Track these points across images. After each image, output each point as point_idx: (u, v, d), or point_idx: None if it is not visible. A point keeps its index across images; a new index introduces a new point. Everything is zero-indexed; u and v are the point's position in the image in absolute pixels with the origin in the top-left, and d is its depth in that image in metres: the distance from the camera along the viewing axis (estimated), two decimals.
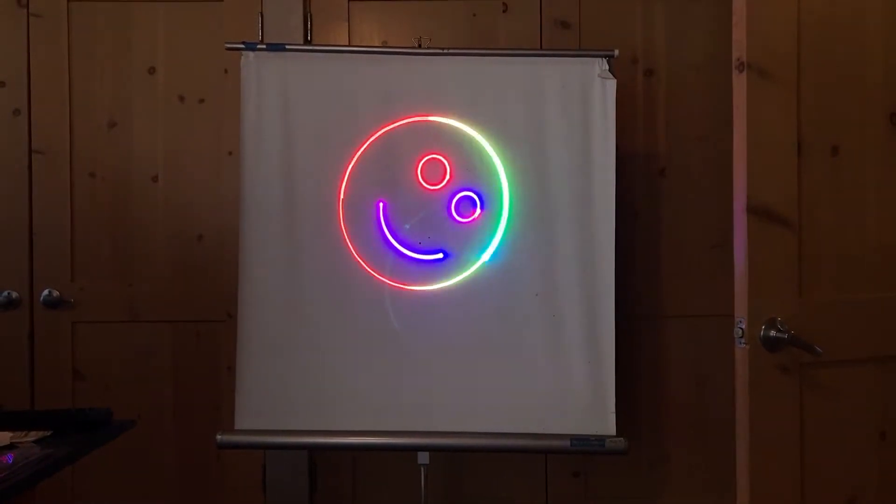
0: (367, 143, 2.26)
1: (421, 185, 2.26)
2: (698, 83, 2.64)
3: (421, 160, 2.26)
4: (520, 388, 2.22)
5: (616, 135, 2.25)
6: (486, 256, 2.25)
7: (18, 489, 1.40)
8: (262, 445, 2.36)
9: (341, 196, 2.26)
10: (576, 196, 2.25)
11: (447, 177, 2.26)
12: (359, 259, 2.25)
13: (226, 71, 2.59)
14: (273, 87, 2.26)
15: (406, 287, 2.26)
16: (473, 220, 2.26)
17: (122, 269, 2.63)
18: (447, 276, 2.26)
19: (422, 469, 2.26)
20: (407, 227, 2.25)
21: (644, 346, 2.65)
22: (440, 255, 2.25)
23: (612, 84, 2.25)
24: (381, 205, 2.26)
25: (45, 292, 2.59)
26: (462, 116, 2.27)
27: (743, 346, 1.58)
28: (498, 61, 2.30)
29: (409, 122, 2.27)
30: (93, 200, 2.62)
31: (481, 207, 2.26)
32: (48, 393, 2.59)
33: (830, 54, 1.68)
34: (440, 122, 2.27)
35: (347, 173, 2.26)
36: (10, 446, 1.60)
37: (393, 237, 2.25)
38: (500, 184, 2.26)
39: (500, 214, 2.26)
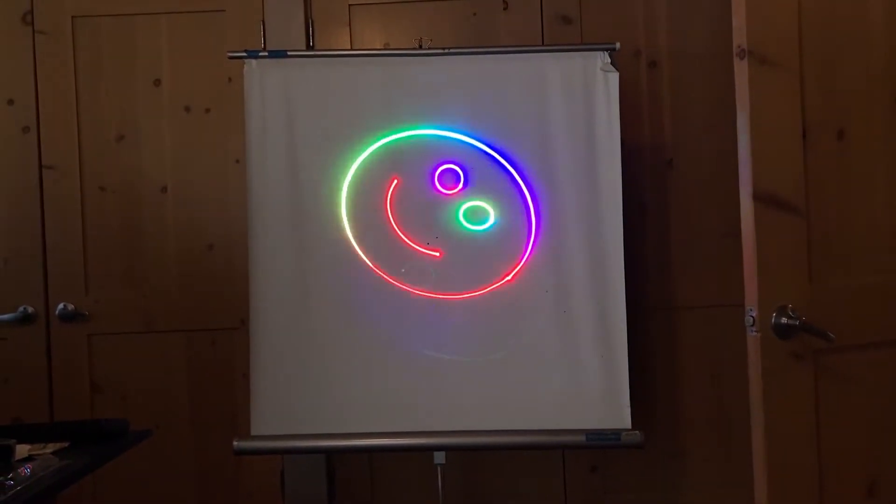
0: (374, 147, 2.27)
1: (437, 189, 2.27)
2: (703, 73, 2.62)
3: (431, 167, 2.26)
4: (533, 385, 2.22)
5: (622, 127, 2.24)
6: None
7: (37, 500, 1.42)
8: (278, 450, 2.37)
9: (347, 197, 2.27)
10: (583, 190, 2.25)
11: (459, 183, 2.26)
12: (367, 261, 2.25)
13: (230, 80, 2.61)
14: (277, 94, 2.27)
15: (416, 287, 2.26)
16: (486, 225, 2.27)
17: (135, 281, 2.65)
18: (460, 281, 2.26)
19: (438, 469, 2.26)
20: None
21: (657, 338, 2.64)
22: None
23: (614, 77, 2.24)
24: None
25: (61, 306, 2.61)
26: (465, 116, 2.27)
27: (754, 334, 1.57)
28: (500, 59, 2.30)
29: (414, 131, 2.28)
30: (104, 213, 2.65)
31: (492, 214, 2.27)
32: (66, 405, 2.61)
33: (833, 37, 1.67)
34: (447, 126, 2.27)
35: (353, 173, 2.27)
36: (29, 458, 1.62)
37: (401, 231, 2.26)
38: (509, 188, 2.26)
39: (515, 221, 2.26)
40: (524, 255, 2.25)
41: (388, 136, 2.26)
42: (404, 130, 2.26)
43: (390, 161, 2.27)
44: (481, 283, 2.25)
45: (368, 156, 2.27)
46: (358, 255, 2.26)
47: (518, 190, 2.25)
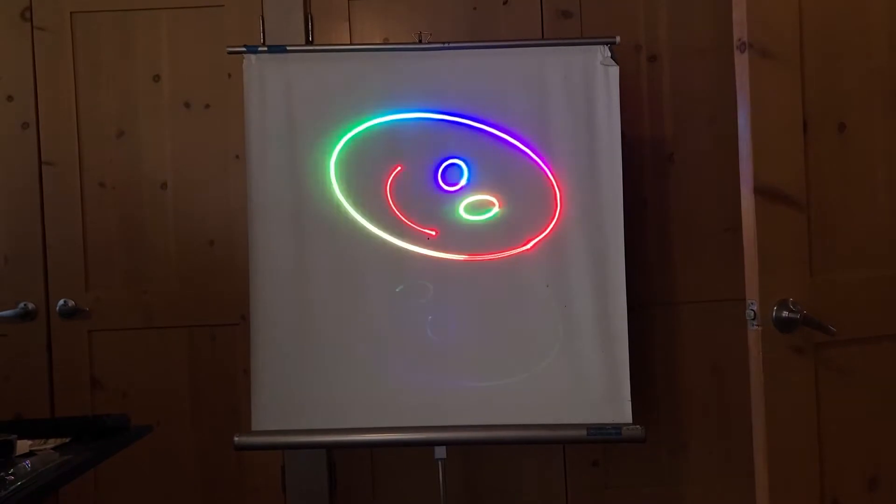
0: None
1: (439, 184, 2.27)
2: (703, 67, 2.62)
3: (435, 160, 2.26)
4: (534, 379, 2.22)
5: (622, 122, 2.24)
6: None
7: (38, 495, 1.42)
8: (279, 446, 2.37)
9: (348, 192, 2.26)
10: (583, 185, 2.25)
11: (462, 177, 2.26)
12: (368, 257, 2.25)
13: (229, 75, 2.60)
14: (276, 89, 2.27)
15: (418, 282, 2.26)
16: (490, 215, 2.27)
17: (135, 277, 2.65)
18: (463, 270, 2.26)
19: (439, 464, 2.26)
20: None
21: (658, 332, 2.64)
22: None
23: (614, 71, 2.23)
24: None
25: (61, 302, 2.61)
26: (466, 110, 2.26)
27: (755, 327, 1.57)
28: (499, 53, 2.30)
29: (416, 118, 2.27)
30: (104, 210, 2.64)
31: (497, 205, 2.26)
32: (67, 402, 2.61)
33: (833, 30, 1.66)
34: (448, 119, 2.26)
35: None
36: (30, 454, 1.62)
37: (404, 220, 2.26)
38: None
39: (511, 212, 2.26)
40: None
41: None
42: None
43: (393, 149, 2.26)
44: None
45: (370, 140, 2.25)
46: (358, 250, 2.25)
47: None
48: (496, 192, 2.26)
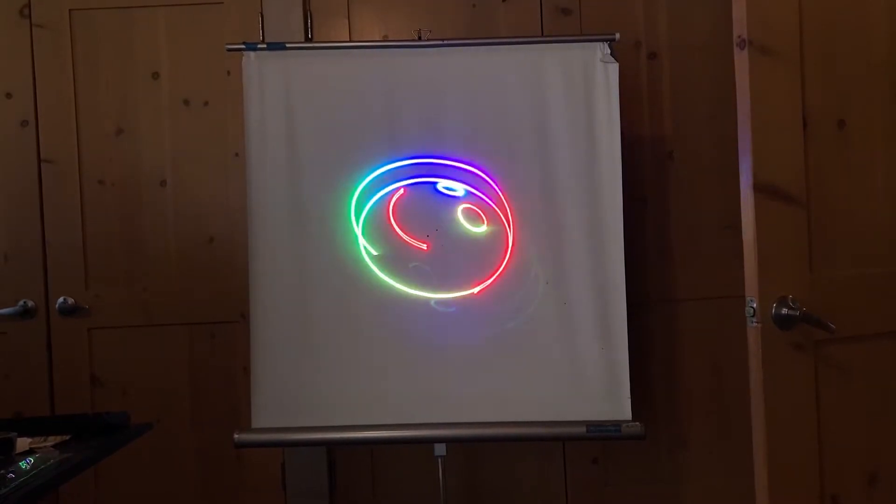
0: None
1: (439, 191, 2.27)
2: (703, 64, 2.62)
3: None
4: (534, 376, 2.22)
5: (621, 119, 2.24)
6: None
7: (38, 493, 1.42)
8: (279, 443, 2.36)
9: (349, 191, 2.26)
10: (582, 182, 2.25)
11: (460, 190, 2.27)
12: (367, 255, 2.25)
13: (228, 73, 2.60)
14: (275, 87, 2.26)
15: (415, 280, 2.26)
16: (482, 228, 2.28)
17: (135, 275, 2.65)
18: (459, 277, 2.27)
19: (439, 461, 2.26)
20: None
21: (657, 330, 2.64)
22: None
23: (614, 68, 2.23)
24: (393, 197, 2.26)
25: (61, 300, 2.61)
26: (465, 108, 2.26)
27: (755, 325, 1.57)
28: (499, 50, 2.29)
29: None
30: (103, 207, 2.64)
31: (489, 215, 2.27)
32: (67, 400, 2.61)
33: (833, 27, 1.66)
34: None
35: (356, 168, 2.27)
36: (30, 452, 1.62)
37: (399, 227, 2.26)
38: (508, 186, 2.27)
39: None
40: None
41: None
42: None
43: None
44: (475, 280, 2.26)
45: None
46: (358, 248, 2.25)
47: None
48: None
